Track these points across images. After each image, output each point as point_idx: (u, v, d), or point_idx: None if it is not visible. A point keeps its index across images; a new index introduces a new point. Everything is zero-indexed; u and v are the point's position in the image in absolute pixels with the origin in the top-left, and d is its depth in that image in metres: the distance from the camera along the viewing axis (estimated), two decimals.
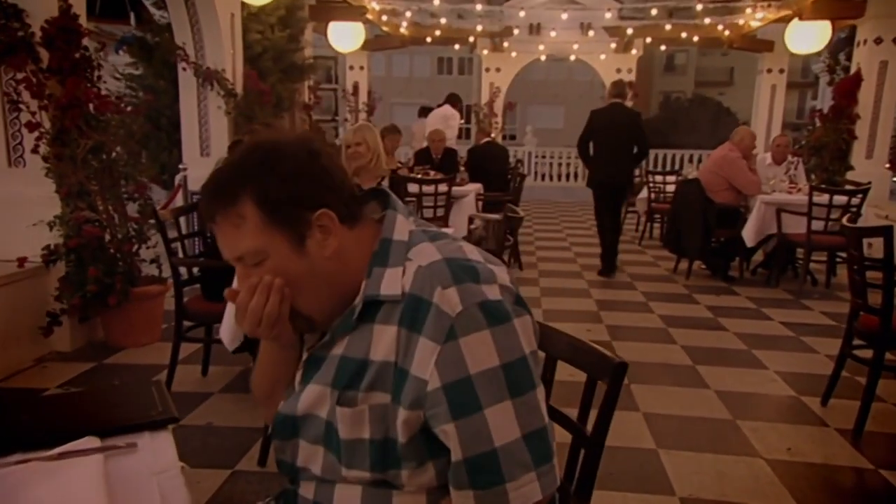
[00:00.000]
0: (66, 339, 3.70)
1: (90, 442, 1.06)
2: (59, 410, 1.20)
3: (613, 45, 12.54)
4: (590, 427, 1.19)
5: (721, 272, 6.01)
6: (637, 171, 8.17)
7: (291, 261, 0.96)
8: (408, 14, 10.89)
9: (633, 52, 12.73)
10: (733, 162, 5.74)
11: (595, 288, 5.62)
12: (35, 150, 3.63)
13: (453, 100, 9.12)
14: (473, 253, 0.98)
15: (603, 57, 12.76)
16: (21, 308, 3.56)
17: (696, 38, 11.52)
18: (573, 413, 1.25)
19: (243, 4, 5.95)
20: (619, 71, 12.57)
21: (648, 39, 12.27)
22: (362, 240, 1.00)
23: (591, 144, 5.93)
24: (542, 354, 1.05)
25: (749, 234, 5.63)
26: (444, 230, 1.06)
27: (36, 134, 3.59)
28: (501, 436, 0.88)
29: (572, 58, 13.43)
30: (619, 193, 6.04)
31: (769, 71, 11.50)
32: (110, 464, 1.02)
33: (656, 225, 8.27)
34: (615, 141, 5.77)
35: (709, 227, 5.78)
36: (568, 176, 14.75)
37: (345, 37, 8.63)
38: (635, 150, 5.79)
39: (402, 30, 11.49)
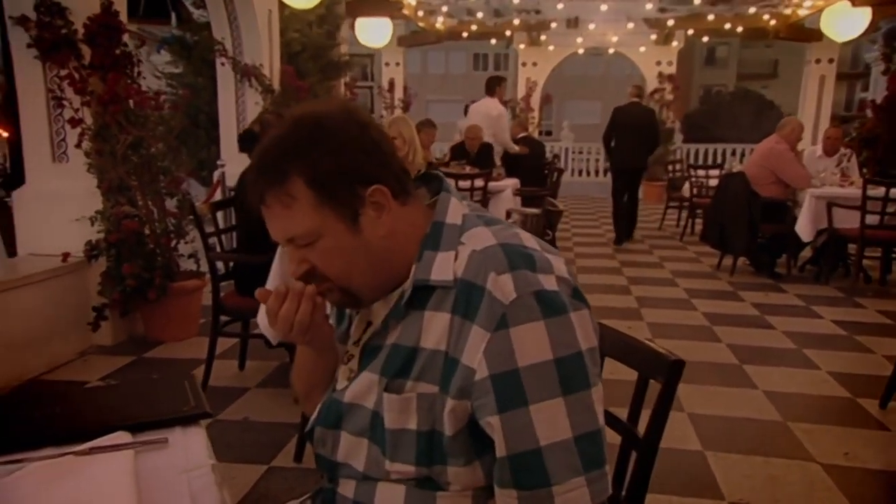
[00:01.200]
0: (107, 333, 3.75)
1: (121, 437, 1.03)
2: (92, 404, 1.18)
3: (654, 37, 12.24)
4: (641, 428, 1.12)
5: (767, 269, 5.81)
6: (678, 166, 9.26)
7: (345, 240, 0.91)
8: (444, 9, 10.83)
9: (674, 44, 12.39)
10: (781, 154, 5.54)
11: (635, 285, 5.48)
12: (78, 146, 3.68)
13: (494, 84, 7.34)
14: (530, 240, 0.92)
15: (642, 49, 12.47)
16: (64, 302, 3.61)
17: (739, 29, 11.18)
18: (621, 413, 1.17)
19: (282, 3, 5.96)
20: (658, 63, 12.29)
21: (690, 31, 11.96)
22: (414, 221, 0.95)
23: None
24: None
25: (804, 229, 5.42)
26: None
27: (78, 130, 3.64)
28: (548, 434, 0.82)
29: (611, 51, 13.18)
30: (636, 176, 7.34)
31: (817, 61, 11.11)
32: (140, 460, 0.99)
33: (698, 221, 8.06)
34: (633, 133, 6.86)
35: (754, 222, 5.59)
36: (606, 171, 14.50)
37: (373, 32, 8.59)
38: (648, 141, 6.99)
39: (438, 25, 11.44)
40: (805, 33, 10.91)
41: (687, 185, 7.90)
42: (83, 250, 3.67)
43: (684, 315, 4.62)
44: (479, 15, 11.49)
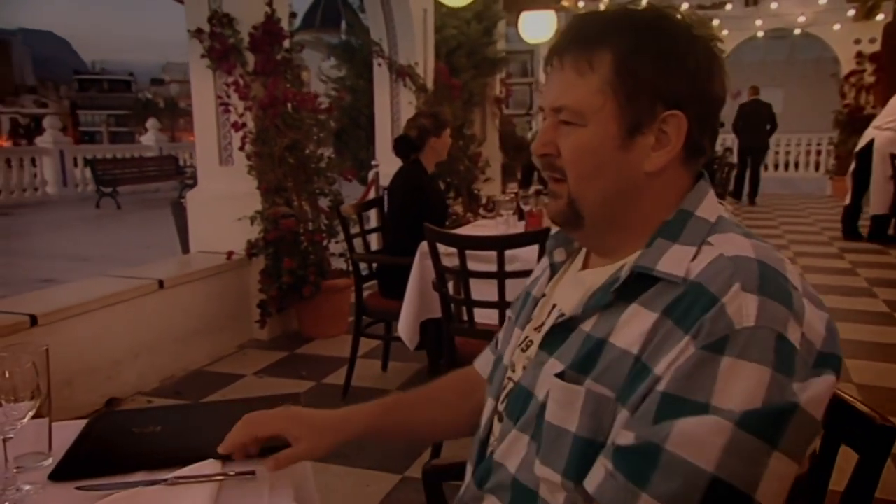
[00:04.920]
0: (264, 329, 3.92)
1: (211, 466, 0.96)
2: (193, 425, 1.13)
3: (852, 13, 10.75)
4: None
5: None
6: None
7: (606, 145, 0.79)
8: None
9: (879, 17, 10.78)
10: None
11: (821, 294, 4.75)
12: (241, 149, 3.88)
13: None
14: (796, 277, 0.74)
15: (837, 27, 11.00)
16: (227, 298, 3.83)
17: None
18: None
19: (437, 2, 5.96)
20: (857, 42, 10.78)
21: None
22: (681, 188, 0.82)
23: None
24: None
25: None
26: None
27: (241, 133, 3.83)
28: (681, 444, 0.65)
29: (797, 31, 11.88)
30: (759, 155, 10.35)
31: None
32: (223, 492, 0.91)
33: None
34: (756, 122, 9.91)
35: None
36: (787, 165, 13.16)
37: (537, 27, 8.37)
38: (768, 127, 10.01)
39: None
40: None
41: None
42: (244, 248, 3.87)
43: (880, 332, 3.96)
44: (644, 2, 10.86)
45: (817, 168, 12.71)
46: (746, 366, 0.65)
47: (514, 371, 0.91)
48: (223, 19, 3.88)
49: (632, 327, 0.74)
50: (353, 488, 2.36)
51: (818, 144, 12.77)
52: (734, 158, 10.22)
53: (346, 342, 3.78)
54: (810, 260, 6.04)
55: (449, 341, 2.58)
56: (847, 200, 7.03)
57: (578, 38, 0.80)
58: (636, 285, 0.76)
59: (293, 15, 4.37)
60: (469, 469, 0.95)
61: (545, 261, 0.98)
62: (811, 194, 11.09)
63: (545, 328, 0.87)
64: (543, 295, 0.94)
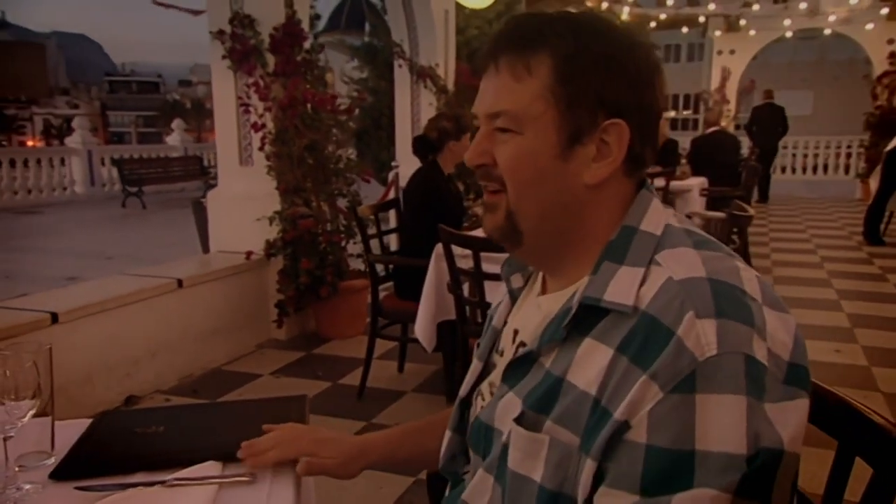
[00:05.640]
0: (282, 328, 3.94)
1: (211, 468, 0.96)
2: (196, 425, 1.13)
3: (885, 11, 10.50)
4: None
5: None
6: None
7: (544, 153, 0.75)
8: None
9: None
10: None
11: (848, 300, 4.71)
12: (260, 149, 3.90)
13: None
14: (753, 283, 0.69)
15: (870, 27, 10.74)
16: (246, 297, 3.85)
17: None
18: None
19: (459, 4, 5.95)
20: (891, 42, 10.52)
21: None
22: (625, 203, 0.77)
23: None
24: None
25: None
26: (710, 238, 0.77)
27: (260, 134, 3.85)
28: None
29: (827, 31, 11.66)
30: (771, 154, 10.57)
31: None
32: (222, 495, 0.91)
33: None
34: (770, 123, 10.23)
35: None
36: (815, 168, 12.91)
37: None
38: (780, 129, 10.36)
39: (624, 16, 10.87)
40: None
41: None
42: (263, 248, 3.89)
43: None
44: (670, 2, 10.75)
45: (847, 171, 12.46)
46: (721, 399, 0.62)
47: (483, 399, 0.89)
48: (244, 20, 3.91)
49: (588, 365, 0.70)
50: (365, 490, 2.35)
51: (848, 147, 12.53)
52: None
53: (363, 343, 3.76)
54: (837, 265, 5.91)
55: (463, 344, 2.56)
56: (871, 201, 6.88)
57: (515, 40, 0.76)
58: (588, 316, 0.71)
59: (317, 17, 4.40)
60: None
61: (504, 287, 0.94)
62: (840, 197, 10.88)
63: (506, 358, 0.84)
64: (505, 323, 0.91)
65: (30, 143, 44.01)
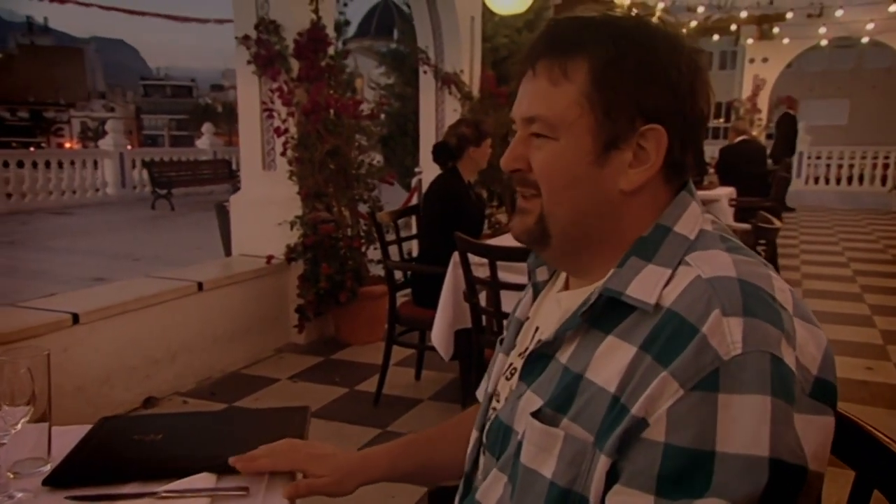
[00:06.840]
0: (302, 333, 3.94)
1: (204, 480, 0.94)
2: (194, 434, 1.11)
3: None
4: None
5: None
6: None
7: (579, 160, 0.74)
8: (660, 6, 10.15)
9: None
10: None
11: (881, 315, 4.57)
12: (283, 154, 3.91)
13: None
14: (785, 294, 0.67)
15: None
16: (266, 301, 3.87)
17: None
18: None
19: (485, 9, 5.93)
20: None
21: None
22: (647, 215, 0.74)
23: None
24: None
25: None
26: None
27: (283, 139, 3.87)
28: None
29: (864, 40, 11.41)
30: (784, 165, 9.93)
31: None
32: None
33: None
34: (781, 134, 10.51)
35: None
36: (850, 179, 12.61)
37: None
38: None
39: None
40: None
41: None
42: (284, 253, 3.90)
43: None
44: (700, 10, 10.62)
45: (884, 182, 12.14)
46: (744, 400, 0.59)
47: (498, 401, 0.87)
48: (269, 26, 3.94)
49: (609, 362, 0.68)
50: (377, 500, 2.32)
51: (885, 158, 12.21)
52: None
53: (382, 349, 3.76)
54: (870, 279, 5.75)
55: (479, 353, 2.53)
56: None
57: (552, 44, 0.75)
58: (611, 312, 0.70)
59: (347, 23, 4.41)
60: None
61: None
62: (875, 209, 10.61)
63: (525, 354, 0.82)
64: (528, 317, 0.90)
65: (67, 145, 45.21)
